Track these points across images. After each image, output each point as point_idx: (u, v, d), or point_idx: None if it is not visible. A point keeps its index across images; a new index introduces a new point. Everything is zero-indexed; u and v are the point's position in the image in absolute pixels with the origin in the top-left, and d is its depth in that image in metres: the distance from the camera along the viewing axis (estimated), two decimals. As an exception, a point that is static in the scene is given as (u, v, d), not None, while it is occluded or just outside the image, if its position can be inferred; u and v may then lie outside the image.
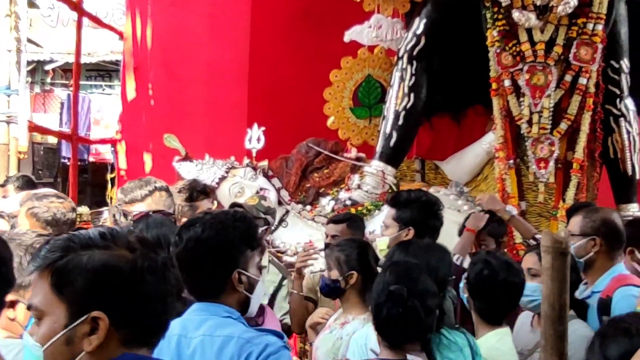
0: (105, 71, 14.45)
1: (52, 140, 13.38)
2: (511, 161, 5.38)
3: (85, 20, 8.40)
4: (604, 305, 3.03)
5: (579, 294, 3.19)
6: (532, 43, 5.23)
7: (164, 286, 1.36)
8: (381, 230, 3.53)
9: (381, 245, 3.41)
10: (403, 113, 5.73)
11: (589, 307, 3.16)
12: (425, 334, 2.31)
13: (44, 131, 9.37)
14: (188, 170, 5.80)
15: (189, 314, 2.09)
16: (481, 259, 2.92)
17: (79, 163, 10.45)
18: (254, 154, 5.83)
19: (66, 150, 11.79)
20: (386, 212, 3.56)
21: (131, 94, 8.51)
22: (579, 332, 2.76)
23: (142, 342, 1.38)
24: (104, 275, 1.32)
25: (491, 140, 5.71)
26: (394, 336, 2.28)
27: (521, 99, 5.31)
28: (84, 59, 11.22)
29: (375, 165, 5.78)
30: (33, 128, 7.18)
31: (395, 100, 5.77)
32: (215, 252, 2.06)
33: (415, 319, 2.24)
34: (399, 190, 3.85)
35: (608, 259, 3.20)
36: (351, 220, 4.11)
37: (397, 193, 3.57)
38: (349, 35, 6.08)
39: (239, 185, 5.60)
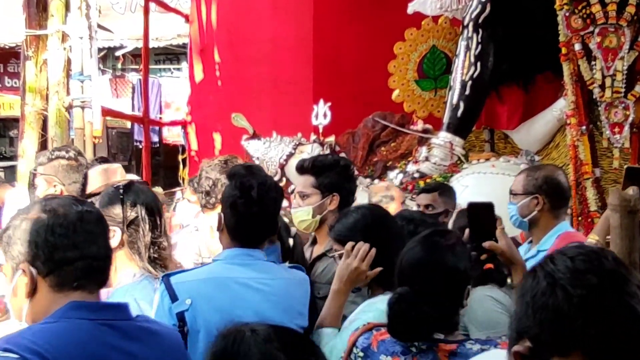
0: (173, 54, 14.63)
1: (126, 124, 13.69)
2: (584, 127, 5.20)
3: (152, 5, 8.50)
4: None
5: (524, 253, 3.11)
6: (603, 4, 5.03)
7: (75, 237, 1.66)
8: (296, 201, 3.24)
9: (303, 216, 3.16)
10: (470, 83, 5.62)
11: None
12: None
13: (117, 115, 9.56)
14: (256, 148, 5.84)
15: (237, 258, 2.44)
16: None
17: (151, 146, 10.69)
18: (320, 130, 5.83)
19: (138, 134, 12.02)
20: (301, 180, 3.26)
21: (199, 75, 8.61)
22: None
23: (71, 286, 1.66)
24: (27, 235, 1.67)
25: (562, 106, 5.54)
26: None
27: (593, 62, 5.12)
28: (152, 44, 11.39)
29: (443, 137, 5.69)
30: (106, 112, 7.31)
31: (462, 70, 5.66)
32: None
33: None
34: (322, 156, 3.63)
35: (552, 217, 3.15)
36: (443, 189, 4.09)
37: (313, 159, 3.27)
38: (412, 7, 5.98)
39: (307, 161, 5.60)
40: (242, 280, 2.39)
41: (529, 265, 2.93)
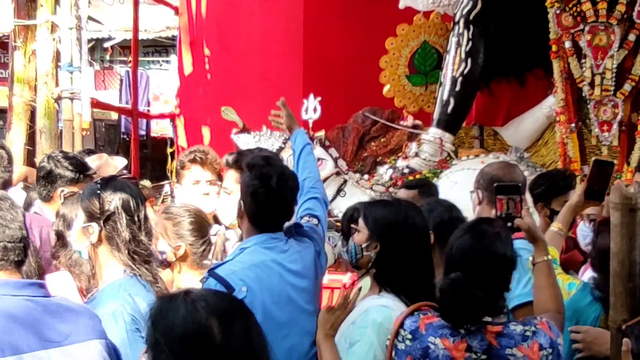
0: (162, 47, 14.57)
1: (113, 116, 13.61)
2: (573, 125, 5.23)
3: (141, -4, 8.46)
4: None
5: None
6: (594, 2, 5.05)
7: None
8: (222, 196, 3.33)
9: (227, 211, 3.28)
10: (460, 79, 5.63)
11: None
12: None
13: (106, 107, 9.51)
14: (246, 142, 5.82)
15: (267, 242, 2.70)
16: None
17: (140, 139, 10.64)
18: (310, 125, 5.80)
19: (126, 126, 12.00)
20: (229, 175, 3.37)
21: (188, 68, 8.57)
22: None
23: None
24: None
25: (552, 104, 5.57)
26: None
27: (582, 60, 5.14)
28: (141, 36, 11.31)
29: (433, 133, 5.70)
30: (95, 104, 7.27)
31: (452, 66, 5.67)
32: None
33: None
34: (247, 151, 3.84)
35: (490, 210, 3.20)
36: (424, 187, 4.17)
37: (239, 154, 3.41)
38: (404, 2, 5.98)
39: (297, 156, 5.59)
40: (279, 260, 2.68)
41: None
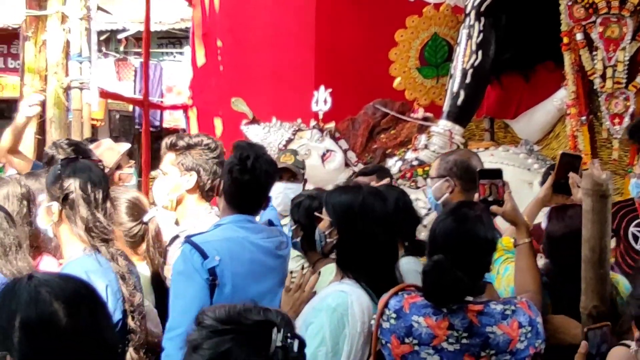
0: (175, 38, 14.59)
1: (128, 107, 13.66)
2: (584, 117, 5.18)
3: (155, -12, 8.47)
4: None
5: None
6: (606, -6, 4.99)
7: None
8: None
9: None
10: (471, 71, 5.58)
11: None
12: None
13: (116, 97, 9.53)
14: (255, 133, 5.83)
15: (243, 223, 2.81)
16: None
17: (153, 129, 10.65)
18: (320, 116, 5.81)
19: (140, 117, 12.01)
20: (167, 158, 3.40)
21: (201, 60, 8.58)
22: (409, 266, 2.92)
23: None
24: None
25: (563, 96, 5.51)
26: None
27: (594, 52, 5.08)
28: (154, 27, 11.37)
29: (443, 125, 5.67)
30: (105, 94, 7.29)
31: (463, 58, 5.63)
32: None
33: None
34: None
35: (464, 199, 3.24)
36: (380, 172, 4.33)
37: (177, 137, 3.42)
38: (414, -6, 5.96)
39: (306, 147, 5.59)
40: (252, 239, 2.79)
41: None
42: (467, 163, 3.28)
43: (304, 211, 3.15)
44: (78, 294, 1.57)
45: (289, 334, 1.44)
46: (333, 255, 2.64)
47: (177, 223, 3.40)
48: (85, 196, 2.63)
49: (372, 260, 2.54)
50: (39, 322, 1.49)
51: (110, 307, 2.47)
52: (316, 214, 2.72)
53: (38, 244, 3.03)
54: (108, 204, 2.72)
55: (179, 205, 3.37)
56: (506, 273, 2.85)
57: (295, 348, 1.44)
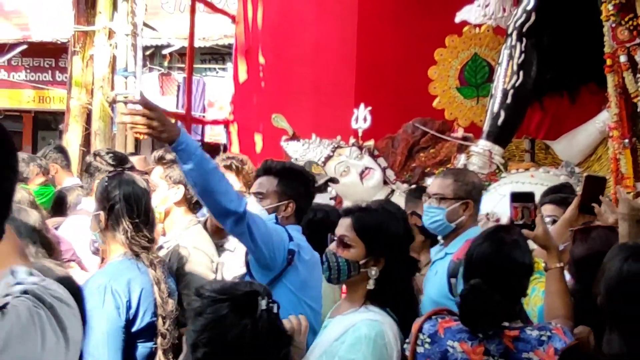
0: (218, 54, 14.73)
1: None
2: (626, 140, 5.09)
3: (200, 5, 8.58)
4: (454, 268, 3.13)
5: (433, 254, 3.38)
6: (651, 16, 4.93)
7: None
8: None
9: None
10: (512, 92, 5.56)
11: (434, 267, 3.31)
12: None
13: (160, 112, 9.64)
14: (295, 150, 5.86)
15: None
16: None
17: (194, 143, 10.76)
18: (360, 134, 5.82)
19: (182, 131, 12.16)
20: (155, 171, 3.52)
21: (242, 76, 8.66)
22: None
23: None
24: None
25: (605, 118, 5.44)
26: None
27: (638, 75, 5.01)
28: (198, 43, 11.49)
29: (483, 145, 5.64)
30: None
31: (504, 79, 5.60)
32: None
33: None
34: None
35: (472, 222, 3.31)
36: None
37: (165, 150, 3.47)
38: (460, 16, 5.97)
39: (345, 164, 5.60)
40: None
41: (436, 266, 3.29)
42: (481, 186, 3.33)
43: (307, 223, 3.18)
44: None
45: (270, 301, 1.87)
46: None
47: (163, 234, 3.50)
48: (129, 207, 2.82)
49: (405, 289, 2.51)
50: None
51: (141, 309, 2.73)
52: (334, 236, 2.55)
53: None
54: (150, 215, 2.89)
55: (167, 217, 3.50)
56: (534, 294, 2.84)
57: (275, 310, 1.88)
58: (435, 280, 3.27)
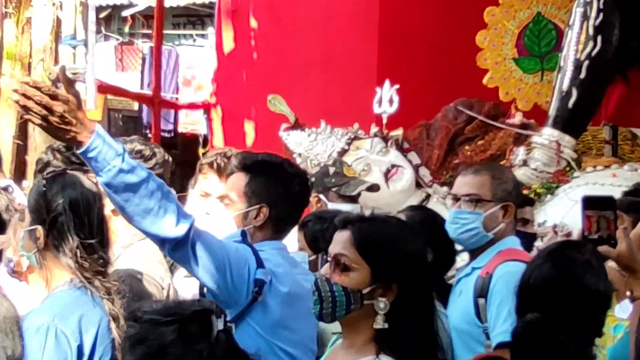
0: (196, 17, 14.81)
1: (133, 105, 13.86)
2: None
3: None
4: (482, 285, 3.20)
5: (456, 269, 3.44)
6: None
7: None
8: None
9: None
10: (587, 63, 5.55)
11: (459, 287, 3.38)
12: None
13: (119, 92, 9.67)
14: (298, 142, 5.87)
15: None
16: None
17: (165, 135, 10.75)
18: (384, 121, 5.82)
19: (148, 118, 12.18)
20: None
21: (228, 45, 8.68)
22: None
23: None
24: None
25: None
26: None
27: None
28: (169, 2, 11.54)
29: (548, 134, 5.64)
30: (104, 89, 7.40)
31: (576, 47, 5.60)
32: None
33: None
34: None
35: (511, 230, 3.38)
36: None
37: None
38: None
39: (365, 161, 5.60)
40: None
41: (460, 286, 3.34)
42: (521, 184, 3.35)
43: (310, 235, 3.26)
44: None
45: (226, 319, 1.93)
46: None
47: None
48: (77, 219, 2.74)
49: (425, 330, 2.33)
50: None
51: (96, 355, 2.70)
52: (330, 257, 2.41)
53: None
54: (105, 228, 2.83)
55: None
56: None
57: (234, 330, 1.95)
58: (460, 303, 3.31)
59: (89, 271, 2.74)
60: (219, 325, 1.90)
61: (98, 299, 2.75)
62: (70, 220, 2.73)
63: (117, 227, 3.44)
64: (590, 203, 2.71)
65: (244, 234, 3.03)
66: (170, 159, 3.75)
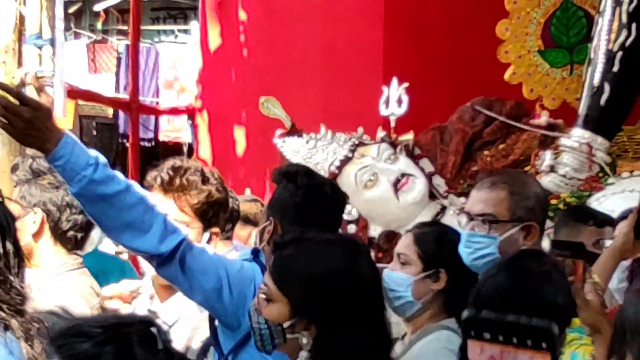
0: (177, 10, 14.85)
1: (109, 112, 13.89)
2: None
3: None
4: None
5: None
6: None
7: None
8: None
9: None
10: (620, 54, 5.58)
11: None
12: None
13: (91, 97, 9.70)
14: (295, 149, 5.88)
15: None
16: None
17: (146, 144, 10.77)
18: (392, 124, 5.84)
19: (125, 125, 12.20)
20: None
21: (215, 41, 8.72)
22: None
23: None
24: None
25: None
26: None
27: None
28: (147, -6, 11.59)
29: (578, 136, 5.66)
30: (75, 93, 7.42)
31: (608, 36, 5.62)
32: None
33: None
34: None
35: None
36: None
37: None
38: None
39: (371, 170, 5.61)
40: None
41: None
42: (547, 199, 3.41)
43: None
44: None
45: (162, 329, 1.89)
46: None
47: None
48: None
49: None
50: None
51: None
52: (260, 294, 2.49)
53: None
54: (21, 256, 2.73)
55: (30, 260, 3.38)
56: None
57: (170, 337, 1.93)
58: None
59: (5, 310, 2.63)
60: (161, 336, 1.85)
61: (14, 344, 2.62)
62: None
63: (42, 255, 3.44)
64: (560, 245, 2.80)
65: (255, 252, 3.10)
66: None
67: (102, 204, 2.72)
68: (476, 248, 3.29)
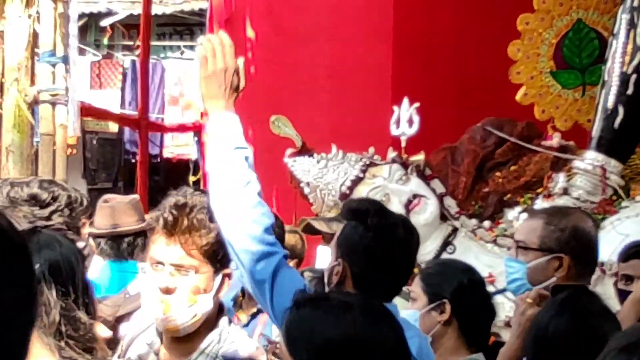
0: (184, 26, 14.85)
1: (111, 127, 13.87)
2: None
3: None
4: None
5: None
6: None
7: None
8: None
9: None
10: (634, 77, 5.58)
11: None
12: None
13: (102, 115, 9.71)
14: (306, 169, 5.87)
15: None
16: None
17: (152, 160, 10.74)
18: (403, 144, 5.83)
19: (130, 142, 12.20)
20: None
21: (222, 58, 8.70)
22: None
23: None
24: None
25: None
26: None
27: None
28: (154, 9, 11.59)
29: (591, 159, 5.66)
30: (85, 110, 7.41)
31: (622, 58, 5.62)
32: None
33: None
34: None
35: None
36: None
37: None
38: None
39: (382, 191, 5.60)
40: None
41: None
42: (589, 235, 3.31)
43: None
44: None
45: None
46: None
47: None
48: (59, 286, 2.57)
49: None
50: None
51: None
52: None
53: None
54: (91, 292, 2.70)
55: None
56: None
57: None
58: None
59: (73, 349, 2.56)
60: None
61: None
62: (52, 288, 2.55)
63: None
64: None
65: None
66: (86, 201, 3.61)
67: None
68: (509, 272, 3.37)
